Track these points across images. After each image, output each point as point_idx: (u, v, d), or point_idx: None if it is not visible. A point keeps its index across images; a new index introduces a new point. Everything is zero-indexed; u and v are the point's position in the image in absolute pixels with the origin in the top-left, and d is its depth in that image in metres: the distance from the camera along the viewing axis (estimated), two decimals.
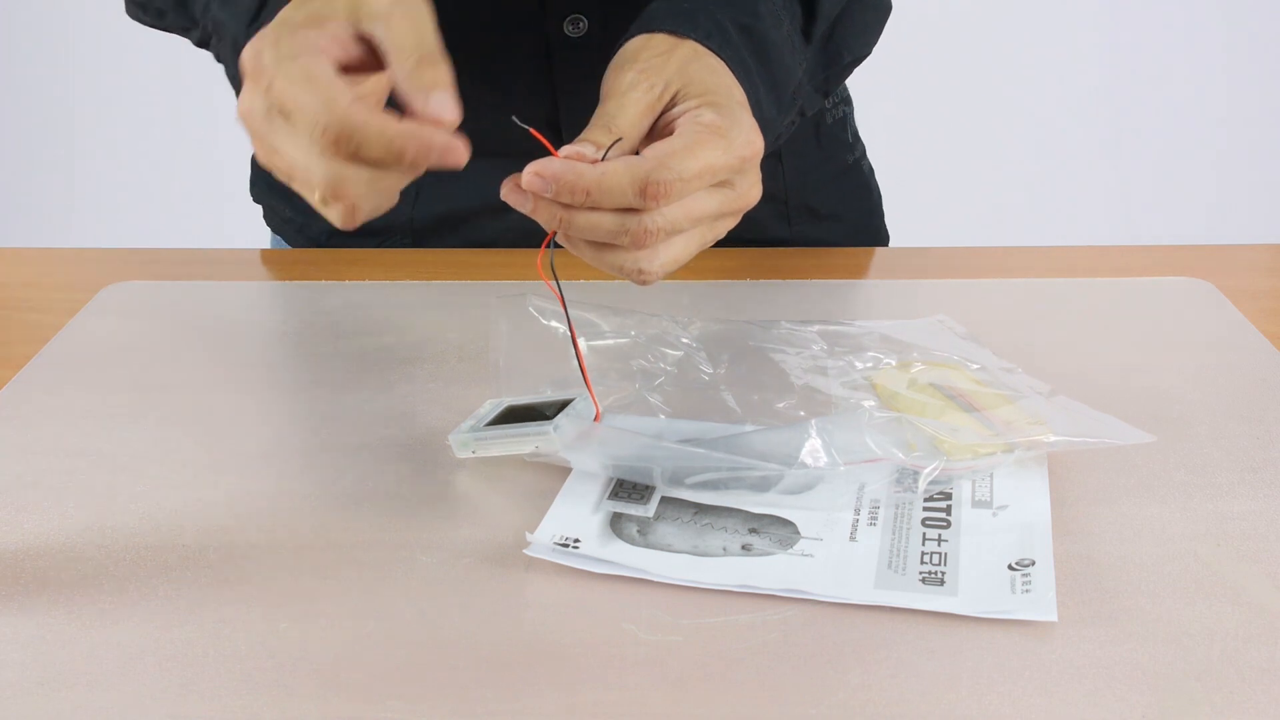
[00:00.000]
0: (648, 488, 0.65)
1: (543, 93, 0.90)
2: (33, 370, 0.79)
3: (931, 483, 0.65)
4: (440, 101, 0.58)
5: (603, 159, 0.60)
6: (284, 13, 0.63)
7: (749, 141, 0.62)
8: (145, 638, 0.55)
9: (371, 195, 0.60)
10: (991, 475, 0.66)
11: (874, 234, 1.08)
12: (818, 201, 1.01)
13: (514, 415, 0.65)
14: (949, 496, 0.65)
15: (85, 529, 0.63)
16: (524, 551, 0.60)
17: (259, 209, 1.10)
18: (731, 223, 0.65)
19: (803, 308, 0.86)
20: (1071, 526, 0.62)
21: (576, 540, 0.60)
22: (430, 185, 0.96)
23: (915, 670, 0.53)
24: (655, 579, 0.58)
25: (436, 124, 0.58)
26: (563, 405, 0.64)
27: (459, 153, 0.57)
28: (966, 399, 0.68)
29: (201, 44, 0.85)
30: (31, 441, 0.71)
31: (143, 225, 2.65)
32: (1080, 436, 0.66)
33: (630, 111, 0.63)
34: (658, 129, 0.64)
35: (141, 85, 2.63)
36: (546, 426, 0.62)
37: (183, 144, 2.65)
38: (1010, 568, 0.59)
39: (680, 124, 0.62)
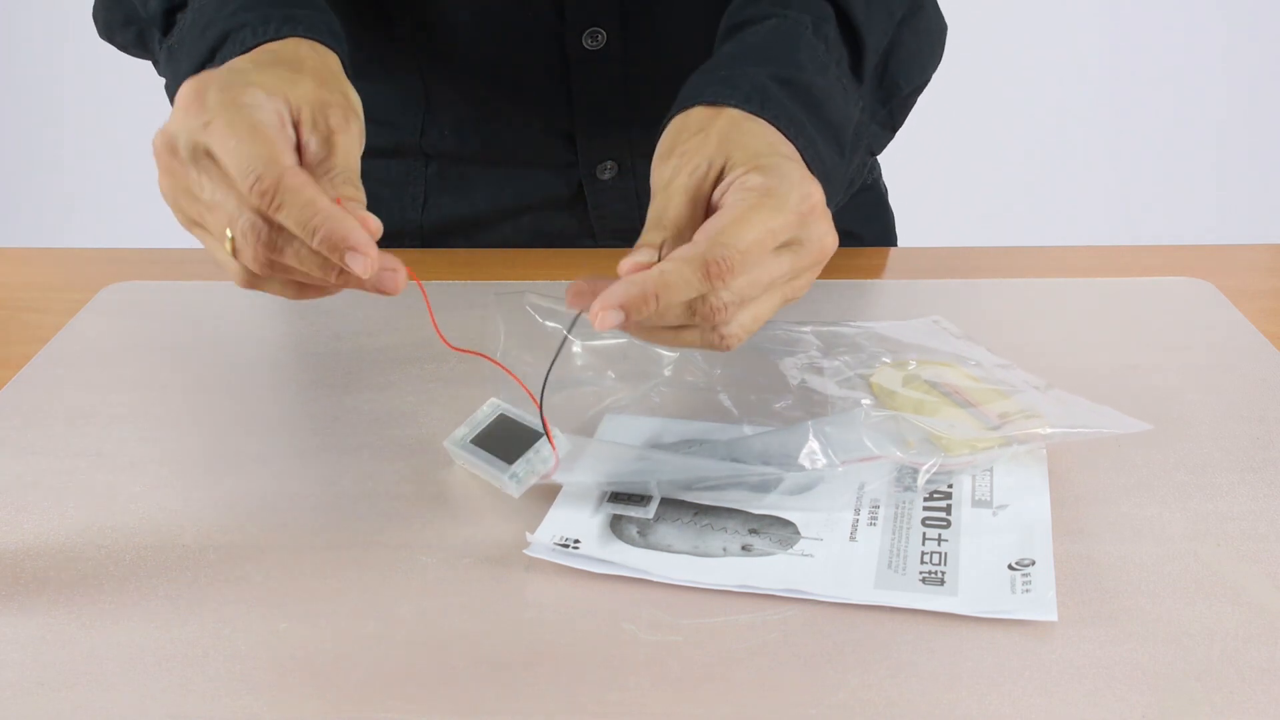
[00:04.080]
0: (647, 489, 0.65)
1: (560, 104, 0.90)
2: (33, 370, 0.79)
3: (930, 480, 0.65)
4: (352, 227, 0.56)
5: (659, 259, 0.58)
6: (241, 64, 0.61)
7: (804, 196, 0.59)
8: (145, 638, 0.55)
9: (279, 272, 0.58)
10: (991, 474, 0.66)
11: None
12: (836, 219, 1.02)
13: (499, 431, 0.64)
14: (949, 496, 0.65)
15: (85, 529, 0.63)
16: (524, 552, 0.60)
17: None
18: (812, 276, 0.62)
19: (803, 308, 0.86)
20: (1071, 526, 0.62)
21: (577, 541, 0.60)
22: (438, 192, 0.96)
23: (915, 670, 0.53)
24: (656, 579, 0.58)
25: (366, 228, 0.57)
26: (538, 436, 0.62)
27: (379, 274, 0.57)
28: (962, 395, 0.68)
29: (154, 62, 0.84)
30: (31, 441, 0.71)
31: (143, 225, 2.64)
32: (1077, 428, 0.66)
33: (676, 201, 0.60)
34: (712, 207, 0.61)
35: (141, 85, 2.62)
36: (504, 475, 0.62)
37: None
38: (1010, 567, 0.59)
39: (729, 195, 0.59)
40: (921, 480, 0.64)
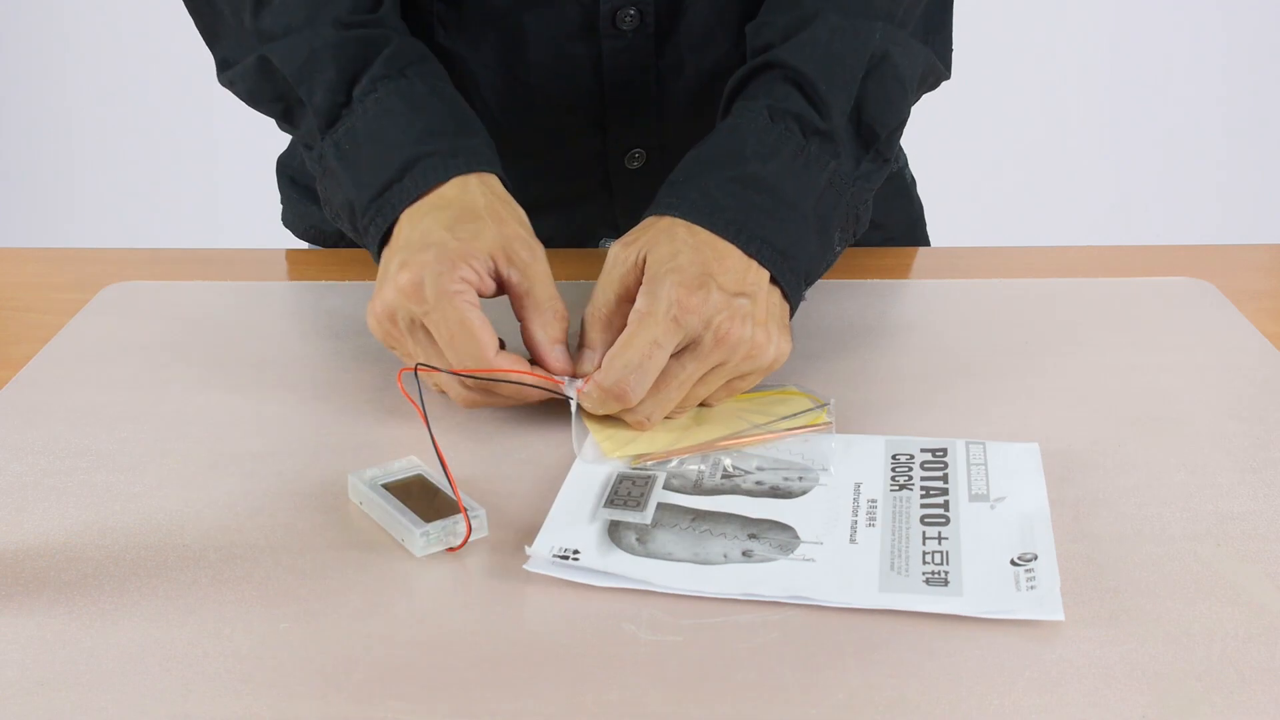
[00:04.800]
0: (643, 494, 0.64)
1: (592, 89, 0.92)
2: (33, 370, 0.79)
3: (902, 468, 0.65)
4: (560, 356, 0.71)
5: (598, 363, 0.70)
6: (431, 224, 0.72)
7: (673, 302, 0.68)
8: (145, 638, 0.55)
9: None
10: (986, 467, 0.66)
11: (914, 243, 1.08)
12: None
13: (412, 491, 0.64)
14: (945, 492, 0.65)
15: (85, 529, 0.63)
16: (524, 567, 0.59)
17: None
18: (737, 362, 0.70)
19: (807, 308, 0.86)
20: (1072, 527, 0.62)
21: (576, 551, 0.60)
22: None
23: (915, 670, 0.53)
24: (659, 590, 0.58)
25: (553, 371, 0.71)
26: (454, 509, 0.62)
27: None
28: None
29: (293, 133, 0.86)
30: (31, 441, 0.71)
31: (143, 225, 2.65)
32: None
33: (605, 298, 0.72)
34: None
35: (141, 86, 2.63)
36: (415, 530, 0.60)
37: (183, 144, 2.65)
38: (1013, 563, 0.59)
39: (630, 318, 0.69)
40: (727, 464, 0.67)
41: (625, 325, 0.69)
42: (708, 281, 0.69)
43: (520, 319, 0.72)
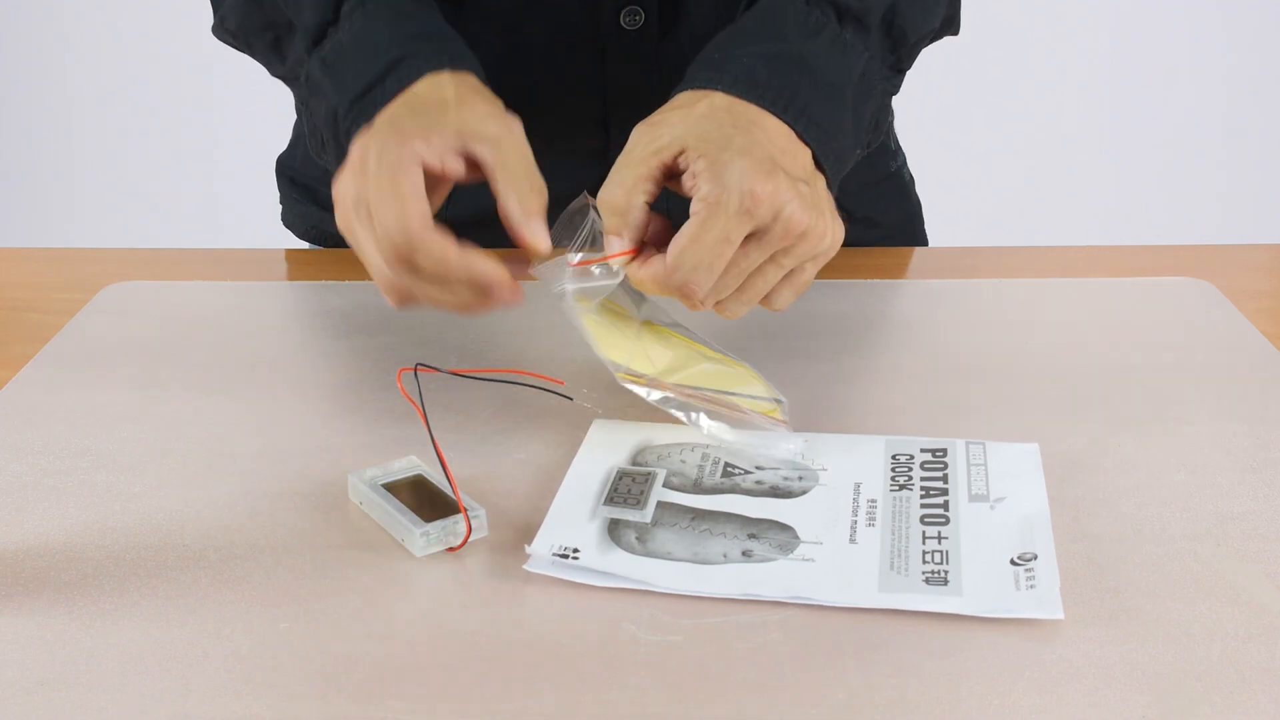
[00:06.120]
0: (643, 491, 0.64)
1: (594, 88, 0.91)
2: (33, 370, 0.79)
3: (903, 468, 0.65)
4: (537, 230, 0.67)
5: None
6: (397, 111, 0.69)
7: (746, 193, 0.64)
8: (145, 638, 0.55)
9: (427, 299, 0.68)
10: (986, 467, 0.66)
11: (913, 240, 1.08)
12: (854, 205, 1.02)
13: (412, 490, 0.64)
14: (945, 492, 0.65)
15: (85, 529, 0.63)
16: (524, 567, 0.59)
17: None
18: (804, 250, 0.67)
19: (798, 308, 0.86)
20: (1072, 527, 0.62)
21: (576, 550, 0.60)
22: (461, 186, 0.97)
23: (915, 670, 0.53)
24: (658, 590, 0.58)
25: (532, 250, 0.67)
26: (453, 509, 0.62)
27: (513, 296, 0.66)
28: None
29: (283, 79, 0.86)
30: (31, 441, 0.71)
31: (143, 225, 2.65)
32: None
33: (624, 178, 0.67)
34: (684, 186, 0.67)
35: (141, 86, 2.63)
36: (415, 530, 0.61)
37: (183, 144, 2.65)
38: (1013, 562, 0.59)
39: (691, 205, 0.65)
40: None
41: (642, 207, 0.66)
42: (776, 169, 0.65)
43: (495, 195, 0.68)
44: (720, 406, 0.70)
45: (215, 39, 0.88)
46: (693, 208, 0.65)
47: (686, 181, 0.66)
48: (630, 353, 0.69)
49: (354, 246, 0.69)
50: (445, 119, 0.69)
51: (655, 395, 0.69)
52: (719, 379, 0.71)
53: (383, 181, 0.65)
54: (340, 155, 0.76)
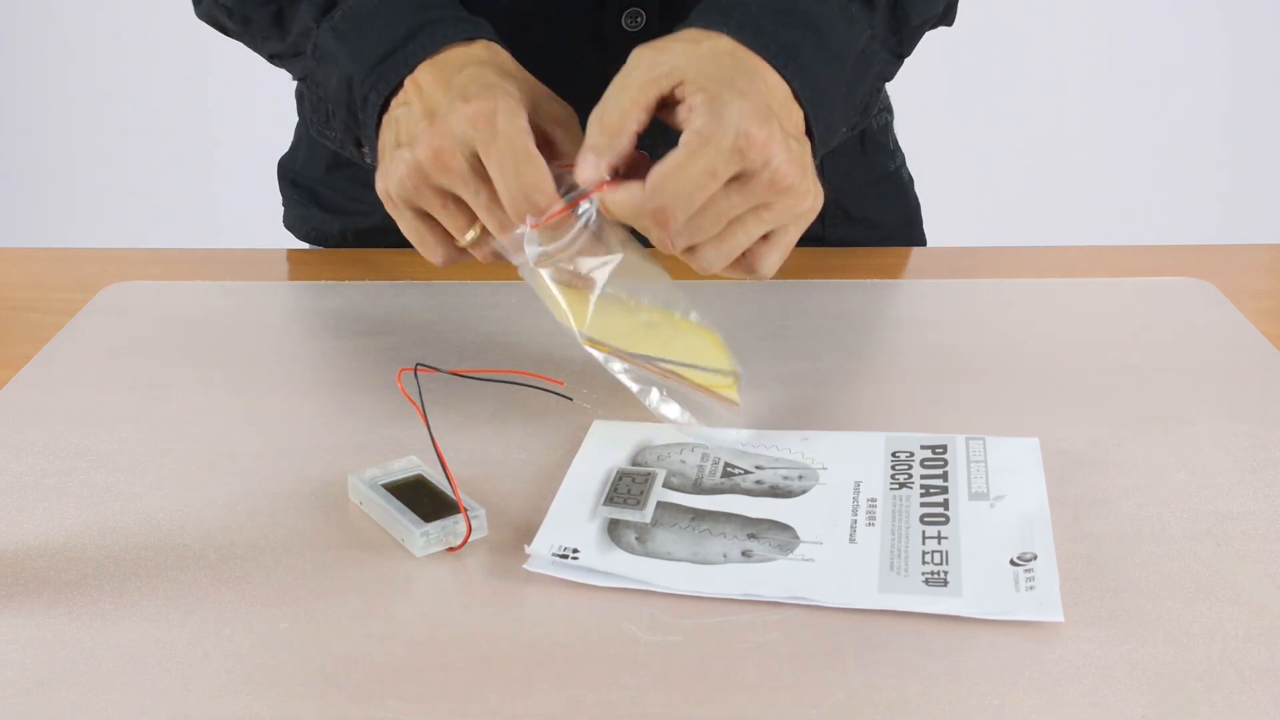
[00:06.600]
0: (643, 491, 0.64)
1: (595, 88, 0.91)
2: (33, 370, 0.79)
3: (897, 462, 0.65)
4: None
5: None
6: (491, 78, 0.68)
7: (741, 133, 0.63)
8: (145, 638, 0.55)
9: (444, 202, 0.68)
10: (986, 465, 0.66)
11: (911, 240, 1.08)
12: (852, 204, 1.01)
13: (412, 490, 0.64)
14: (945, 491, 0.65)
15: (85, 529, 0.63)
16: (524, 566, 0.59)
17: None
18: (786, 208, 0.66)
19: (786, 303, 0.86)
20: (1072, 527, 0.62)
21: (575, 550, 0.60)
22: None
23: (915, 670, 0.53)
24: (658, 590, 0.58)
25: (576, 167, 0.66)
26: (454, 509, 0.62)
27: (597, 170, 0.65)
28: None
29: (279, 56, 0.85)
30: (31, 441, 0.71)
31: (143, 225, 2.65)
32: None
33: (619, 102, 0.66)
34: (676, 117, 0.66)
35: (141, 85, 2.63)
36: (415, 530, 0.61)
37: (183, 144, 2.65)
38: (1012, 563, 0.59)
39: (682, 135, 0.64)
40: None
41: (633, 133, 0.65)
42: (772, 118, 0.64)
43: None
44: (677, 380, 0.69)
45: (202, 23, 0.87)
46: (683, 139, 0.64)
47: (681, 113, 0.65)
48: (593, 321, 0.67)
49: (395, 157, 0.68)
50: (510, 85, 0.68)
51: (616, 365, 0.68)
52: (681, 348, 0.70)
53: (516, 147, 0.65)
54: (352, 124, 0.76)
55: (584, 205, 0.66)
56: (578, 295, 0.68)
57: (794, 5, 0.71)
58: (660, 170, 0.63)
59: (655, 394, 0.68)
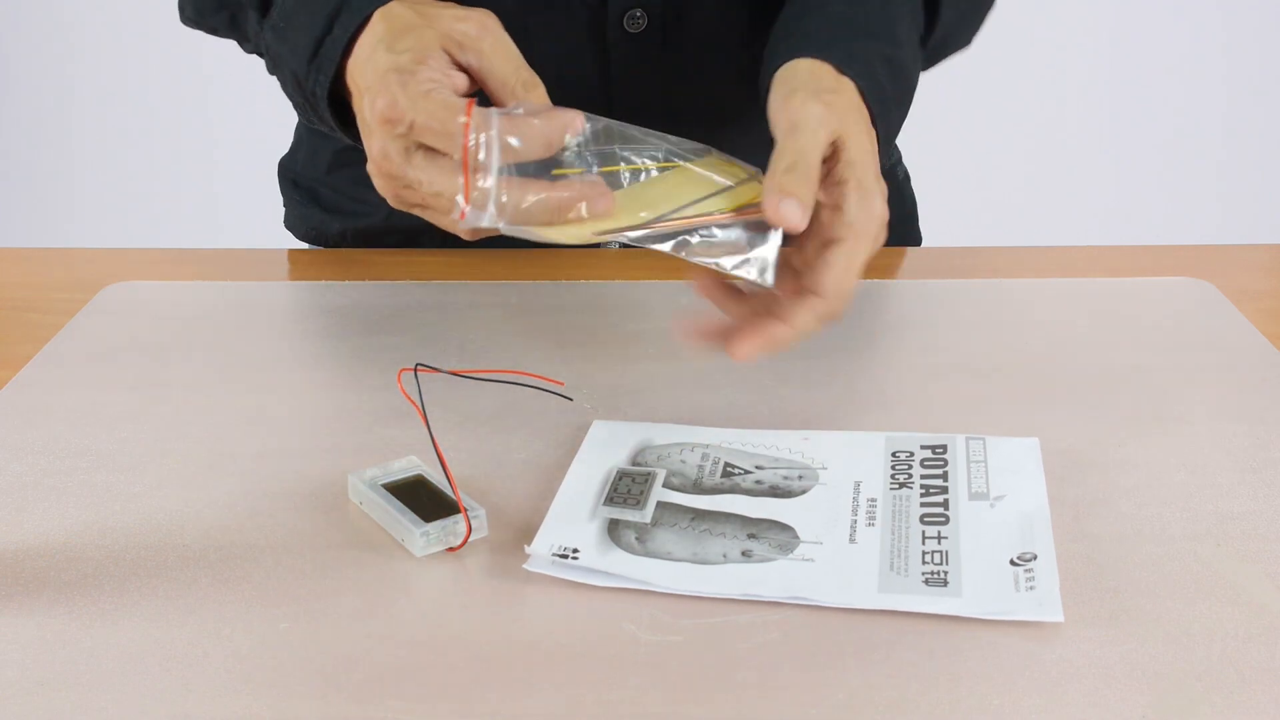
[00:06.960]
0: (643, 491, 0.64)
1: (597, 90, 0.91)
2: (33, 370, 0.79)
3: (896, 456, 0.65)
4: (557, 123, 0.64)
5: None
6: (386, 57, 0.67)
7: (883, 224, 0.67)
8: (145, 638, 0.55)
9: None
10: (986, 464, 0.66)
11: (905, 239, 1.08)
12: None
13: (412, 490, 0.64)
14: (945, 490, 0.65)
15: (85, 529, 0.63)
16: (524, 566, 0.59)
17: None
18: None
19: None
20: (1072, 526, 0.62)
21: (575, 550, 0.60)
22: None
23: (915, 670, 0.53)
24: (658, 590, 0.58)
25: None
26: (454, 509, 0.62)
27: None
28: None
29: (254, 53, 0.86)
30: (31, 441, 0.71)
31: (143, 225, 2.65)
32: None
33: (812, 161, 0.66)
34: (828, 179, 0.68)
35: (141, 86, 2.63)
36: (415, 530, 0.60)
37: (183, 144, 2.65)
38: (1012, 563, 0.59)
39: (837, 225, 0.66)
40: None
41: (820, 183, 0.66)
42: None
43: (495, 104, 0.67)
44: (699, 219, 0.66)
45: (188, 29, 0.89)
46: (837, 231, 0.66)
47: (830, 181, 0.67)
48: (583, 229, 0.65)
49: (417, 202, 0.67)
50: (424, 39, 0.67)
51: (633, 234, 0.65)
52: (689, 189, 0.67)
53: (430, 109, 0.63)
54: (320, 118, 0.75)
55: (482, 136, 0.63)
56: (565, 229, 0.65)
57: (896, 54, 0.74)
58: (834, 279, 0.66)
59: (693, 240, 0.66)
